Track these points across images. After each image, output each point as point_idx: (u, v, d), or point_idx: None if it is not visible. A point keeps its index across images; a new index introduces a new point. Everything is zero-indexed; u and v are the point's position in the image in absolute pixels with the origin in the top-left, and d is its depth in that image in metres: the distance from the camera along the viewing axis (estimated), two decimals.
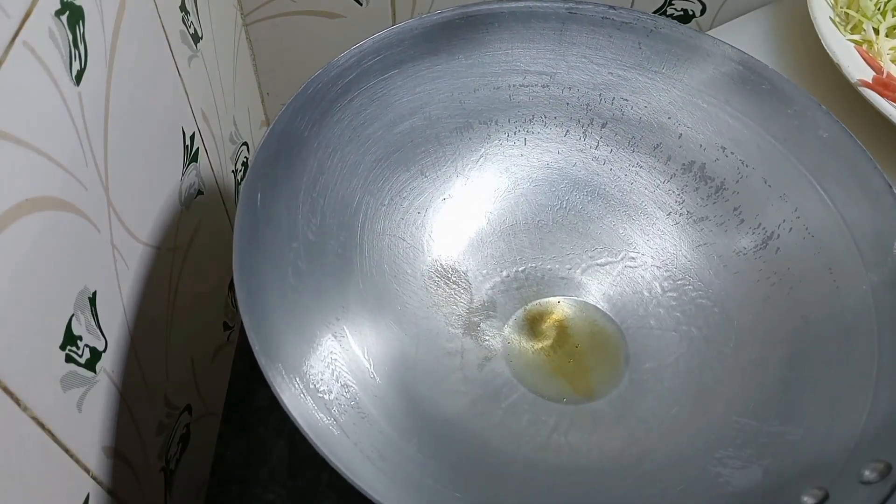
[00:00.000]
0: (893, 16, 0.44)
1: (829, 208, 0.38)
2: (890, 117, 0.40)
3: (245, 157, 0.53)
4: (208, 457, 0.40)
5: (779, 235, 0.39)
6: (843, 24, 0.45)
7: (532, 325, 0.41)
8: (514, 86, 0.43)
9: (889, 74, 0.43)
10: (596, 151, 0.44)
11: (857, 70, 0.42)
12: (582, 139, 0.44)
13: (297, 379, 0.30)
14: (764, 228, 0.40)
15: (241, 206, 0.32)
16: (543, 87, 0.43)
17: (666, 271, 0.42)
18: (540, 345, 0.40)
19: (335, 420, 0.30)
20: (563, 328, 0.41)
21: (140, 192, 0.35)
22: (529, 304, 0.42)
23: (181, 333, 0.40)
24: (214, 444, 0.40)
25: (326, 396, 0.31)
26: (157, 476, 0.37)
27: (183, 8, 0.40)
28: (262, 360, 0.28)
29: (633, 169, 0.43)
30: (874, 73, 0.42)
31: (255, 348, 0.28)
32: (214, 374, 0.46)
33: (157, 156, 0.37)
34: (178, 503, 0.40)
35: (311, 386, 0.30)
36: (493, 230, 0.43)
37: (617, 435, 0.37)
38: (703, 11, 0.54)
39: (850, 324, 0.35)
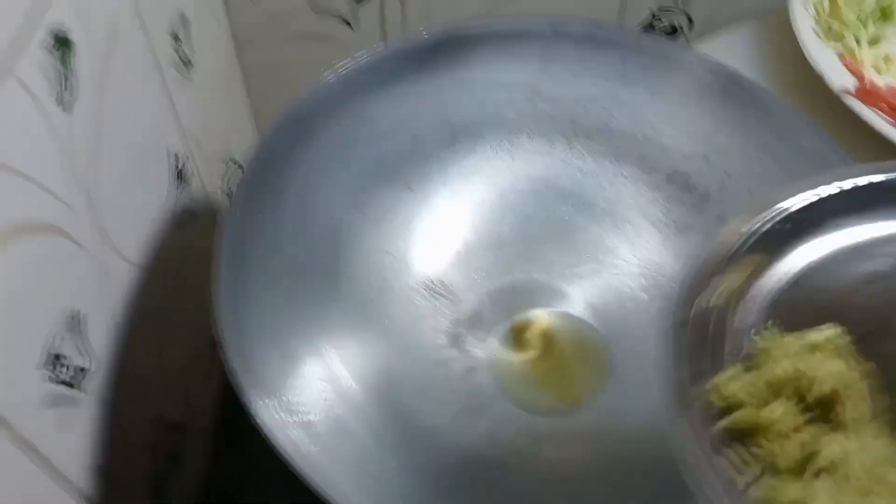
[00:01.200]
0: (874, 25, 0.44)
1: None
2: (872, 125, 0.40)
3: (238, 178, 0.53)
4: (201, 475, 0.40)
5: None
6: (825, 34, 0.45)
7: (518, 335, 0.42)
8: (499, 102, 0.43)
9: (871, 83, 0.43)
10: (581, 163, 0.44)
11: (839, 79, 0.42)
12: (567, 151, 0.44)
13: (277, 396, 0.31)
14: None
15: (226, 226, 0.33)
16: (528, 101, 0.44)
17: (652, 280, 0.42)
18: (525, 355, 0.41)
19: (316, 437, 0.30)
20: (548, 339, 0.41)
21: (130, 214, 0.35)
22: (515, 316, 0.42)
23: (172, 352, 0.40)
24: (208, 462, 0.40)
25: (307, 413, 0.31)
26: (147, 494, 0.38)
27: (174, 36, 0.41)
28: (237, 378, 0.28)
29: (619, 179, 0.44)
30: (856, 82, 0.43)
31: (232, 366, 0.28)
32: (207, 392, 0.46)
33: (148, 179, 0.38)
34: None
35: (291, 403, 0.31)
36: (479, 242, 0.44)
37: (603, 444, 0.37)
38: (690, 25, 0.55)
39: None
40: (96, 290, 0.32)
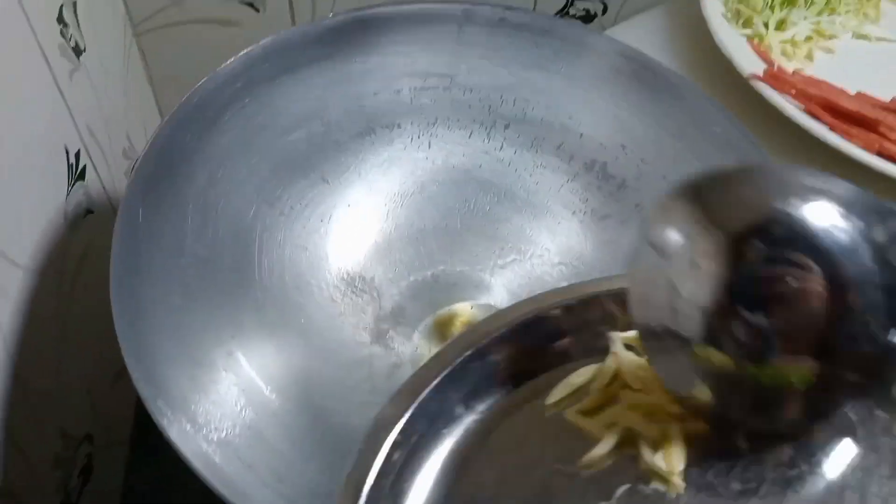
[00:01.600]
0: (782, 10, 0.45)
1: None
2: (781, 110, 0.41)
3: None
4: (116, 488, 0.38)
5: None
6: (734, 19, 0.46)
7: (442, 329, 0.41)
8: (414, 89, 0.42)
9: (780, 67, 0.44)
10: (500, 153, 0.44)
11: (749, 64, 0.43)
12: (486, 141, 0.43)
13: (185, 406, 0.29)
14: None
15: (119, 223, 0.30)
16: (445, 89, 0.43)
17: (573, 269, 0.42)
18: None
19: (227, 447, 0.29)
20: None
21: (18, 214, 0.33)
22: (439, 309, 0.41)
23: (74, 361, 0.38)
24: (123, 473, 0.38)
25: (218, 423, 0.30)
26: None
27: (61, 20, 0.38)
28: (140, 389, 0.26)
29: (538, 169, 0.43)
30: (765, 67, 0.43)
31: (134, 375, 0.26)
32: (117, 400, 0.43)
33: (37, 177, 0.35)
34: None
35: (200, 414, 0.29)
36: (400, 235, 0.43)
37: None
38: (604, 11, 0.55)
39: None
40: None
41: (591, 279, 0.28)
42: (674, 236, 0.21)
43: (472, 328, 0.27)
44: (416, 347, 0.40)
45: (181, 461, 0.37)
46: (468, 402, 0.25)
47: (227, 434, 0.30)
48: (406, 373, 0.39)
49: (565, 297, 0.27)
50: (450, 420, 0.25)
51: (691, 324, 0.20)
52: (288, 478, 0.30)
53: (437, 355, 0.26)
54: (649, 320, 0.21)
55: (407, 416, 0.24)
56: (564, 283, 0.42)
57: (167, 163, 0.33)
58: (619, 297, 0.25)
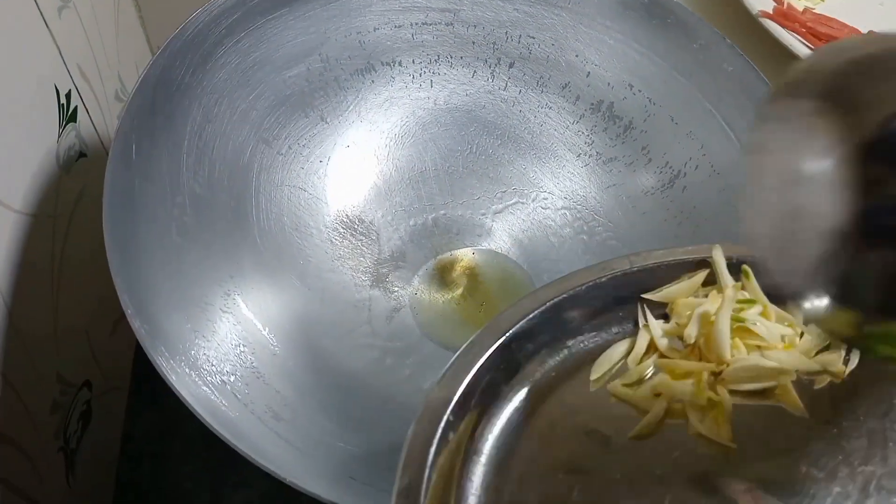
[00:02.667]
0: None
1: (733, 144, 0.38)
2: (790, 48, 0.40)
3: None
4: (116, 433, 0.38)
5: (685, 174, 0.39)
6: None
7: (442, 274, 0.40)
8: (416, 24, 0.41)
9: (789, 5, 0.42)
10: (504, 93, 0.42)
11: (757, 2, 0.42)
12: (490, 80, 0.42)
13: (185, 350, 0.28)
14: (671, 167, 0.39)
15: (112, 159, 0.29)
16: (447, 25, 0.41)
17: (576, 213, 0.42)
18: (450, 294, 0.39)
19: (226, 385, 0.28)
20: (473, 276, 0.40)
21: (9, 156, 0.32)
22: (439, 254, 0.41)
23: (71, 306, 0.37)
24: (122, 419, 0.38)
25: (218, 366, 0.29)
26: (54, 458, 0.35)
27: None
28: (139, 334, 0.26)
29: (543, 110, 0.42)
30: (774, 4, 0.42)
31: (128, 312, 0.26)
32: (115, 346, 0.43)
33: (27, 116, 0.34)
34: (84, 484, 0.38)
35: (200, 357, 0.29)
36: (401, 177, 0.42)
37: None
38: None
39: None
40: None
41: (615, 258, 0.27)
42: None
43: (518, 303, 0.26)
44: (415, 291, 0.39)
45: (180, 408, 0.37)
46: (509, 380, 0.25)
47: (226, 375, 0.30)
48: (405, 316, 0.39)
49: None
50: (496, 398, 0.24)
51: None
52: (285, 416, 0.30)
53: (480, 334, 0.25)
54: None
55: (458, 395, 0.23)
56: (568, 230, 0.41)
57: (161, 97, 0.32)
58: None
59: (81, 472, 0.38)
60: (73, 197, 0.38)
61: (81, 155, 0.39)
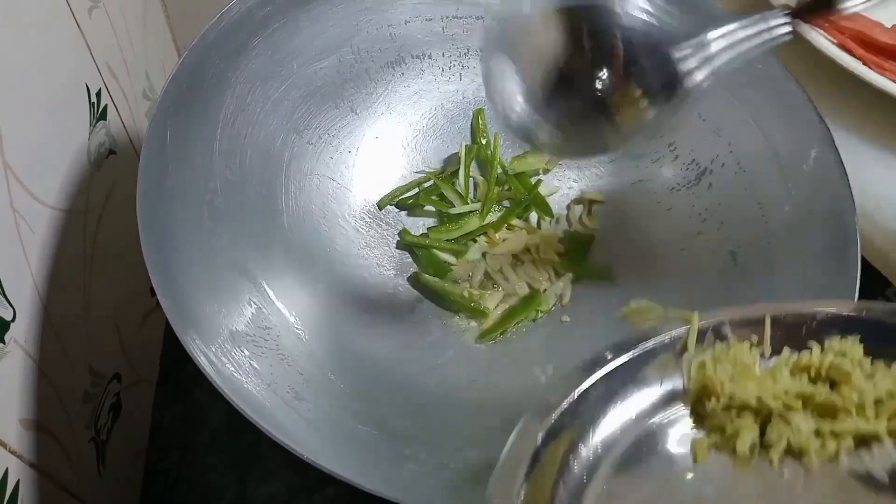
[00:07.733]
0: None
1: (761, 142, 0.37)
2: (813, 42, 0.39)
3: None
4: (144, 425, 0.39)
5: (712, 171, 0.39)
6: None
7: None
8: (446, 17, 0.41)
9: None
10: None
11: None
12: None
13: (215, 334, 0.29)
14: (697, 164, 0.39)
15: (147, 145, 0.30)
16: (478, 18, 0.42)
17: (601, 208, 0.42)
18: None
19: (248, 361, 0.29)
20: None
21: (42, 153, 0.33)
22: None
23: (102, 300, 0.38)
24: (150, 411, 0.39)
25: (246, 349, 0.30)
26: (86, 447, 0.36)
27: None
28: (171, 318, 0.27)
29: None
30: None
31: (159, 291, 0.27)
32: (145, 340, 0.44)
33: (59, 114, 0.35)
34: (114, 473, 0.39)
35: (229, 341, 0.30)
36: (427, 169, 0.42)
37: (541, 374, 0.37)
38: None
39: (775, 260, 0.35)
40: (10, 236, 0.30)
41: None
42: None
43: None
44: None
45: (206, 401, 0.38)
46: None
47: (250, 357, 0.30)
48: (428, 307, 0.39)
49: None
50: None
51: None
52: (308, 397, 0.31)
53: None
54: None
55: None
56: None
57: (196, 85, 0.33)
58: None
59: (111, 461, 0.39)
60: (104, 193, 0.39)
61: (111, 152, 0.41)
